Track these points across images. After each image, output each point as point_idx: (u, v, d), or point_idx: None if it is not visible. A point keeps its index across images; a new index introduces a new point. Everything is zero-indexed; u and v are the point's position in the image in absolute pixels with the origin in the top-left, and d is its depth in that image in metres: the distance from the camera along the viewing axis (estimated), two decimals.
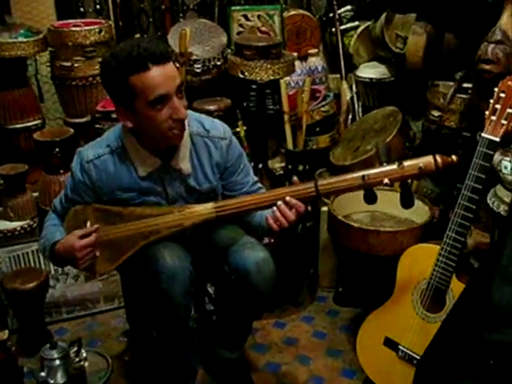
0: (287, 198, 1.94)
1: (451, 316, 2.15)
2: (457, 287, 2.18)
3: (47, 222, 2.27)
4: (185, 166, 2.11)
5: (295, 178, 2.03)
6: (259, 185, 2.32)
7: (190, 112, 2.12)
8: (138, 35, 3.11)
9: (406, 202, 2.00)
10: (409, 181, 1.97)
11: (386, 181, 1.89)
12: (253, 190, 2.27)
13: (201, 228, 2.12)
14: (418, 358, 2.28)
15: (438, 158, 1.87)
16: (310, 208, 2.17)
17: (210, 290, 2.81)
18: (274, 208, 1.96)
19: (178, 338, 2.19)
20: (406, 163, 1.89)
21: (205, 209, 2.04)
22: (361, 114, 3.58)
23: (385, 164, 1.91)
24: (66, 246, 2.07)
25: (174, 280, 1.99)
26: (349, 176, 1.94)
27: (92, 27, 3.19)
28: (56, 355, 2.37)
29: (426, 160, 1.88)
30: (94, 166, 2.09)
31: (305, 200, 1.97)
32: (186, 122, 2.03)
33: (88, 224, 2.11)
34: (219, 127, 2.19)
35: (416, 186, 3.06)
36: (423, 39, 2.89)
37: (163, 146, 2.04)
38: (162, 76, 1.87)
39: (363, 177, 1.90)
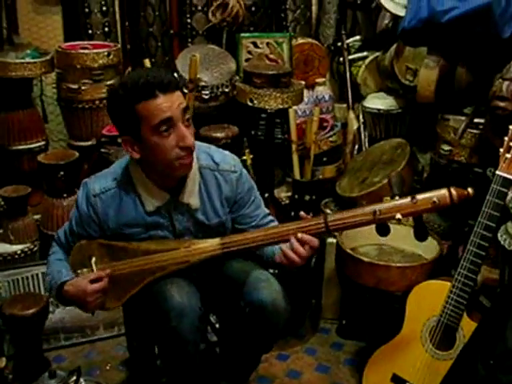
0: (299, 235, 1.90)
1: (463, 356, 2.12)
2: (467, 325, 2.16)
3: (52, 256, 2.22)
4: (193, 200, 2.07)
5: (302, 213, 1.98)
6: (271, 217, 2.28)
7: (198, 143, 2.08)
8: (147, 60, 3.09)
9: (420, 235, 1.97)
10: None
11: (398, 216, 1.83)
12: (264, 222, 2.23)
13: (209, 262, 2.07)
14: None
15: (453, 191, 1.82)
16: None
17: (213, 319, 2.76)
18: (283, 246, 1.93)
19: (187, 373, 2.13)
20: (420, 197, 1.83)
21: (211, 245, 2.01)
22: (367, 145, 3.56)
23: (397, 198, 1.87)
24: (77, 289, 2.02)
25: (183, 318, 1.95)
26: (359, 211, 1.89)
27: (101, 50, 3.18)
28: None
29: (441, 194, 1.82)
30: (100, 200, 2.06)
31: (313, 236, 1.93)
32: (195, 155, 2.00)
33: (93, 260, 2.08)
34: (229, 160, 2.15)
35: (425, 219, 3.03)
36: (435, 73, 2.88)
37: (171, 181, 2.01)
38: (167, 102, 1.85)
39: (374, 212, 1.85)
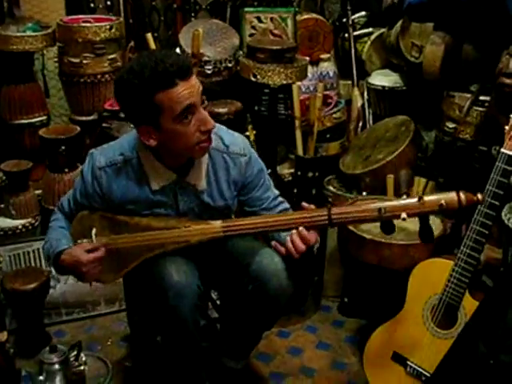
0: (300, 229, 1.90)
1: (464, 334, 2.11)
2: (469, 304, 2.14)
3: (53, 223, 2.21)
4: (200, 181, 2.05)
5: (305, 204, 1.96)
6: (280, 199, 2.25)
7: None
8: (149, 34, 3.05)
9: (425, 237, 1.94)
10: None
11: (403, 215, 1.81)
12: (274, 204, 2.20)
13: (208, 243, 2.05)
14: (426, 374, 2.24)
15: (462, 196, 1.79)
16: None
17: (214, 296, 2.75)
18: (288, 238, 1.94)
19: (188, 351, 2.13)
20: (427, 198, 1.81)
21: (213, 227, 1.99)
22: (371, 122, 3.54)
23: (405, 196, 1.84)
24: (73, 258, 2.02)
25: (182, 297, 1.95)
26: (365, 207, 1.86)
27: (103, 24, 3.15)
28: (55, 359, 2.31)
29: (449, 197, 1.80)
30: (105, 174, 2.04)
31: (315, 228, 1.93)
32: None
33: (93, 231, 2.07)
34: (239, 142, 2.12)
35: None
36: (441, 49, 2.85)
37: (179, 161, 1.99)
38: (188, 89, 1.80)
39: (380, 210, 1.83)
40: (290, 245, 1.95)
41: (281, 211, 2.20)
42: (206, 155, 2.04)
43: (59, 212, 2.22)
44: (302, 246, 1.93)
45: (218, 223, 1.99)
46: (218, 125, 2.09)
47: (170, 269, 1.98)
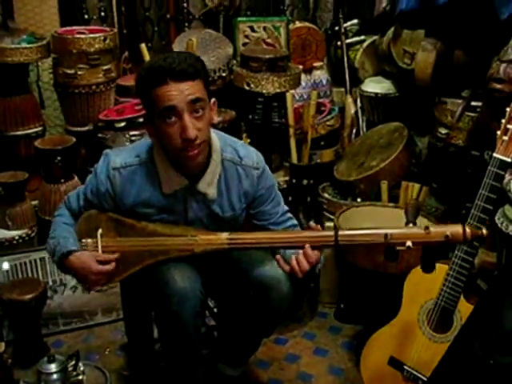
0: (306, 246, 1.91)
1: (459, 338, 2.12)
2: (464, 308, 2.15)
3: (58, 218, 2.19)
4: (211, 191, 2.06)
5: (313, 224, 1.98)
6: (289, 215, 2.27)
7: (224, 136, 2.12)
8: (143, 44, 3.07)
9: (427, 267, 1.98)
10: None
11: (408, 243, 1.83)
12: (282, 220, 2.22)
13: (211, 254, 2.06)
14: (423, 378, 2.25)
15: (468, 230, 1.83)
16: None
17: (211, 304, 2.76)
18: (293, 257, 1.95)
19: (188, 357, 2.14)
20: (433, 229, 1.84)
21: (218, 238, 2.00)
22: (365, 129, 3.56)
23: (411, 225, 1.90)
24: (83, 265, 2.03)
25: (185, 303, 1.95)
26: (372, 232, 1.89)
27: (97, 35, 3.17)
28: (54, 369, 2.31)
29: (455, 229, 1.83)
30: (119, 174, 2.04)
31: (321, 248, 1.95)
32: (218, 147, 2.02)
33: (99, 231, 2.07)
34: (253, 156, 2.13)
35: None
36: (433, 56, 2.87)
37: (189, 168, 2.00)
38: (175, 91, 1.83)
39: (386, 236, 1.85)
40: (294, 263, 1.95)
41: (289, 227, 2.22)
42: (219, 166, 2.05)
43: (65, 208, 2.21)
44: (306, 266, 1.93)
45: (224, 235, 2.00)
46: (235, 139, 2.17)
47: (174, 274, 1.98)
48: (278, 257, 2.03)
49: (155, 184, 2.04)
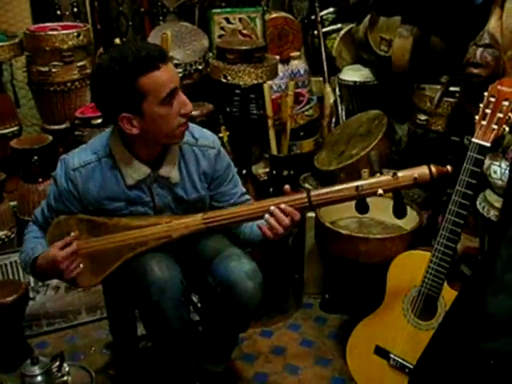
0: (282, 206, 1.91)
1: (444, 324, 2.12)
2: (448, 294, 2.16)
3: (27, 235, 2.19)
4: (173, 174, 2.07)
5: (287, 187, 1.97)
6: (247, 196, 2.29)
7: None
8: (117, 39, 3.04)
9: (399, 212, 1.98)
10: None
11: (380, 191, 1.86)
12: (241, 200, 2.24)
13: (187, 238, 2.06)
14: (409, 366, 2.26)
15: (433, 168, 1.86)
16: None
17: (195, 299, 2.75)
18: (267, 216, 1.93)
19: (175, 350, 2.12)
20: (401, 174, 1.87)
21: (194, 220, 2.01)
22: (344, 118, 3.55)
23: (378, 174, 1.89)
24: (48, 259, 2.00)
25: (165, 292, 1.94)
26: (342, 186, 1.91)
27: (70, 31, 3.12)
28: (38, 371, 2.28)
29: (421, 170, 1.87)
30: (79, 174, 2.02)
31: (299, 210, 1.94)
32: None
33: (72, 234, 2.04)
34: (208, 136, 2.16)
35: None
36: (409, 42, 2.86)
37: (153, 153, 2.01)
38: (169, 72, 1.86)
39: (357, 188, 1.88)
40: (272, 221, 1.93)
41: None
42: (177, 149, 2.07)
43: (33, 224, 2.21)
44: (285, 220, 1.92)
45: (198, 216, 2.01)
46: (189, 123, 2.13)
47: (152, 264, 1.98)
48: (257, 225, 2.00)
49: (118, 178, 2.03)
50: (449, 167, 1.87)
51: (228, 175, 2.20)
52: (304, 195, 1.92)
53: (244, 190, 2.29)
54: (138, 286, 1.98)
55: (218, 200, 2.21)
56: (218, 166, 2.15)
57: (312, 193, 1.92)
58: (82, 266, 2.04)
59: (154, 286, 1.94)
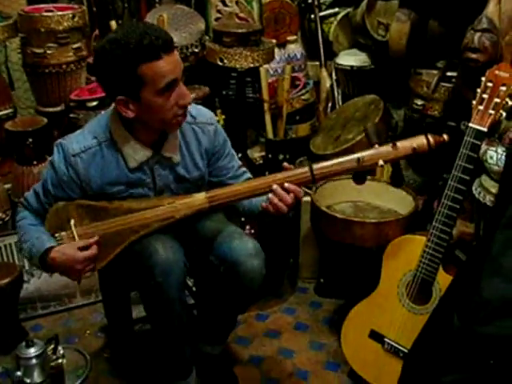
0: (286, 185, 1.91)
1: (439, 308, 2.12)
2: (443, 279, 2.16)
3: (22, 222, 2.12)
4: (175, 154, 2.06)
5: (286, 164, 1.98)
6: (244, 169, 2.29)
7: None
8: (113, 22, 3.02)
9: (397, 181, 2.13)
10: None
11: (380, 162, 1.90)
12: (239, 173, 2.24)
13: (188, 219, 2.04)
14: (403, 350, 2.26)
15: (431, 138, 1.91)
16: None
17: (190, 282, 2.75)
18: (271, 195, 1.92)
19: (175, 332, 2.12)
20: (400, 144, 1.91)
21: (197, 199, 1.99)
22: (341, 102, 3.54)
23: (377, 146, 1.93)
24: (65, 257, 1.97)
25: (170, 274, 1.94)
26: (344, 159, 1.93)
27: (65, 12, 3.08)
28: (32, 353, 2.28)
29: (419, 140, 1.92)
30: (80, 160, 1.99)
31: (299, 185, 1.95)
32: None
33: (72, 222, 2.02)
34: (205, 113, 2.16)
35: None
36: (407, 26, 2.86)
37: (154, 135, 2.00)
38: (171, 63, 1.82)
39: (358, 159, 1.91)
40: (276, 200, 1.93)
41: (246, 179, 2.23)
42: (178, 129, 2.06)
43: (25, 210, 2.14)
44: (289, 199, 1.92)
45: (201, 195, 2.00)
46: None
47: (157, 246, 1.97)
48: (264, 204, 1.98)
49: (119, 161, 2.01)
50: (445, 136, 1.92)
51: (225, 150, 2.20)
52: (306, 169, 1.92)
53: (240, 163, 2.29)
54: (142, 268, 1.96)
55: (217, 175, 2.21)
56: (217, 142, 2.15)
57: (315, 166, 1.93)
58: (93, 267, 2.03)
59: (158, 268, 1.93)
